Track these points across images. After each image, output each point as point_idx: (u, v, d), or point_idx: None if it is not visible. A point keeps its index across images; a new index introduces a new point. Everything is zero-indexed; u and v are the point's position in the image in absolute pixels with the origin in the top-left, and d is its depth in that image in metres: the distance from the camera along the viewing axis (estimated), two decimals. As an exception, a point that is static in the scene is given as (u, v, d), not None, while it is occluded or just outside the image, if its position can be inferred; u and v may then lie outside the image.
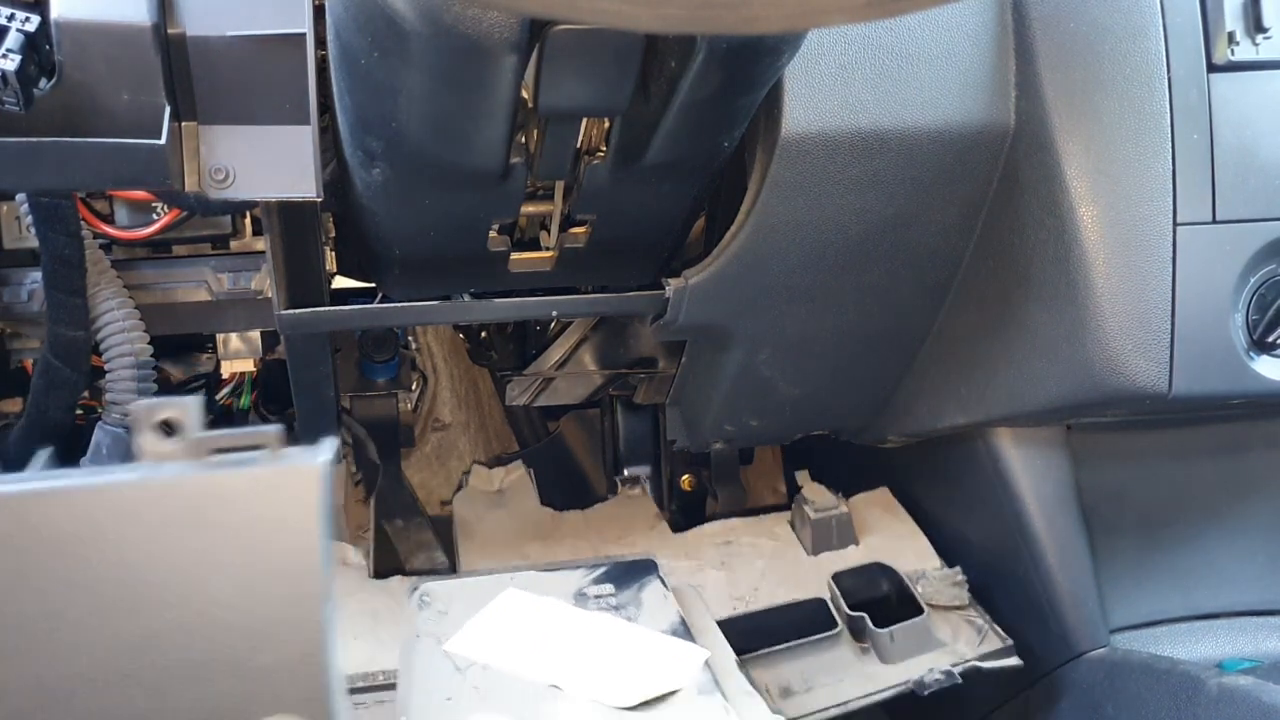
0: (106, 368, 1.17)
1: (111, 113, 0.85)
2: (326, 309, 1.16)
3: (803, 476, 1.58)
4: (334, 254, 1.21)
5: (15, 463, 1.29)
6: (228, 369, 1.39)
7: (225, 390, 1.52)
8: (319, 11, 0.89)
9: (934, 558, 1.40)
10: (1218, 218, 1.09)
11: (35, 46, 0.80)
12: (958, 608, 1.31)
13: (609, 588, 1.14)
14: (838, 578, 1.35)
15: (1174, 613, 1.32)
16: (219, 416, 1.58)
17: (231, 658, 0.57)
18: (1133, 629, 1.30)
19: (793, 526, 1.50)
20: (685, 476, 1.86)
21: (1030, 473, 1.28)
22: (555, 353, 1.49)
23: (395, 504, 1.73)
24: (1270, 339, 1.11)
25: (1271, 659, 1.27)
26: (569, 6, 0.46)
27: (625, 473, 1.77)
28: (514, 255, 1.11)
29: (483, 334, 1.68)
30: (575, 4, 0.45)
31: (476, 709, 0.97)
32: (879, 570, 1.36)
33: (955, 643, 1.29)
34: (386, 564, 1.57)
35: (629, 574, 1.16)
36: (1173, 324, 1.08)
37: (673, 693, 1.00)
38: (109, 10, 0.82)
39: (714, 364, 1.32)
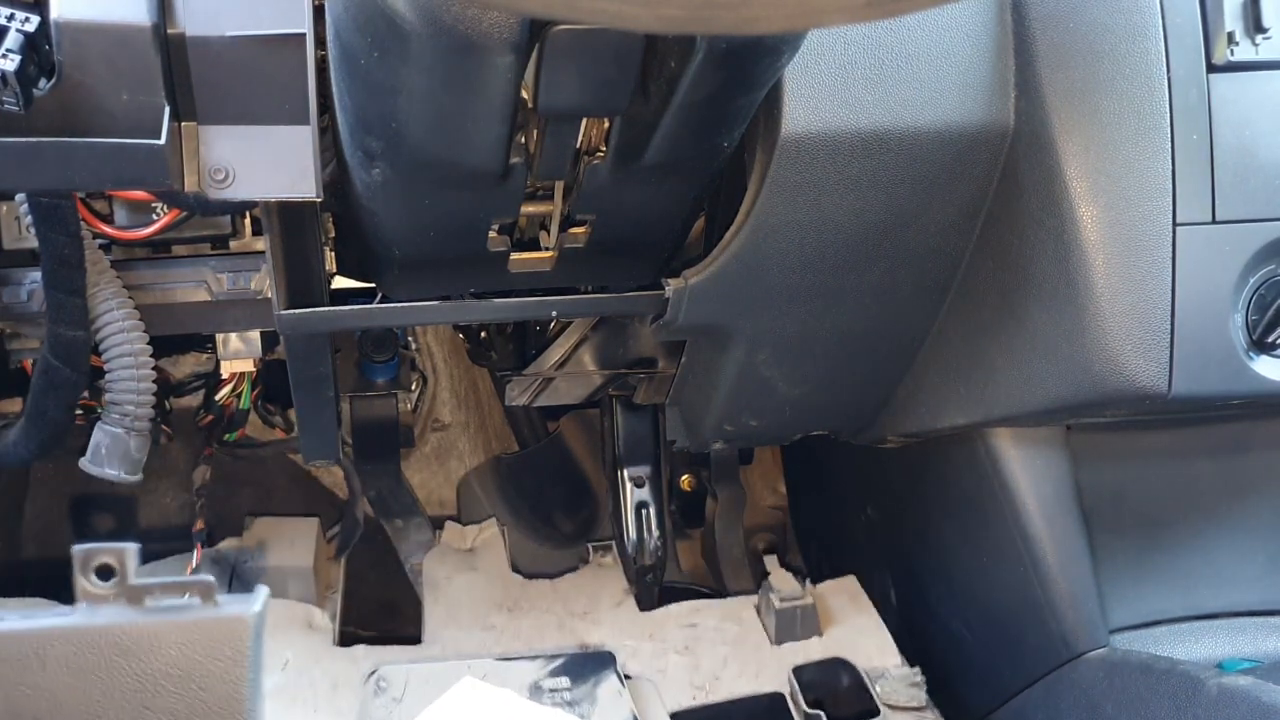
0: (106, 368, 1.17)
1: (111, 113, 0.85)
2: (326, 309, 1.16)
3: (770, 562, 1.58)
4: (334, 254, 1.21)
5: (14, 463, 1.30)
6: (227, 369, 1.39)
7: (225, 390, 1.52)
8: (319, 11, 0.89)
9: (895, 654, 1.41)
10: (1217, 218, 1.09)
11: (35, 46, 0.80)
12: (915, 708, 1.32)
13: (565, 680, 1.15)
14: (798, 671, 1.35)
15: (1174, 613, 1.32)
16: (219, 416, 1.58)
17: None
18: (1132, 629, 1.30)
19: (758, 612, 1.51)
20: (685, 476, 1.86)
21: (1030, 473, 1.28)
22: (555, 353, 1.49)
23: (395, 504, 1.73)
24: (1270, 339, 1.11)
25: (1271, 659, 1.27)
26: (569, 6, 0.46)
27: (591, 547, 1.76)
28: (514, 255, 1.11)
29: (482, 334, 1.68)
30: (575, 4, 0.45)
31: None
32: (840, 665, 1.36)
33: None
34: (352, 626, 1.55)
35: (586, 667, 1.16)
36: (1172, 324, 1.08)
37: None
38: (109, 10, 0.82)
39: (714, 364, 1.32)
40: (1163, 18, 1.08)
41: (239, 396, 1.54)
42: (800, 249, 1.12)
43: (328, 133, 1.00)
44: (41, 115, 0.83)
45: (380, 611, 1.64)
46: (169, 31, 0.85)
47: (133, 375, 1.15)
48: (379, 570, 1.68)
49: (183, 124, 0.89)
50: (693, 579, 2.03)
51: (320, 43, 0.91)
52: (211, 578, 0.59)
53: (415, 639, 1.47)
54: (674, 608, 1.54)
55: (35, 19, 0.80)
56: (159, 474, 1.66)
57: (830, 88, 1.02)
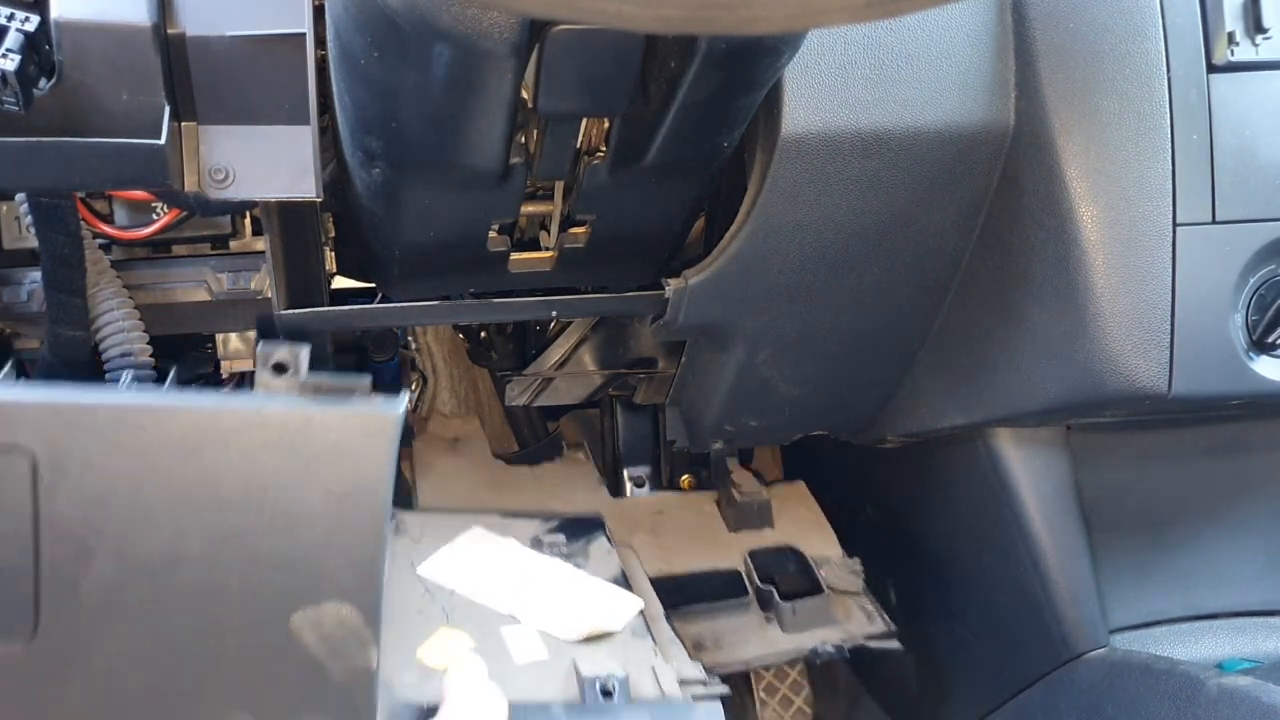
0: (106, 368, 1.17)
1: (111, 113, 0.85)
2: (326, 309, 1.16)
3: (732, 463, 1.67)
4: (334, 254, 1.21)
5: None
6: (227, 369, 1.39)
7: (225, 390, 1.52)
8: (319, 11, 0.89)
9: (837, 547, 1.55)
10: (1217, 218, 1.09)
11: (35, 46, 0.80)
12: (853, 593, 1.48)
13: (561, 538, 1.28)
14: (753, 554, 1.51)
15: (1174, 613, 1.32)
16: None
17: (304, 554, 0.71)
18: (1132, 629, 1.30)
19: (719, 505, 1.64)
20: (685, 476, 1.86)
21: (1030, 473, 1.28)
22: (555, 353, 1.49)
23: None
24: (1270, 339, 1.11)
25: (1271, 659, 1.27)
26: (569, 6, 0.46)
27: (564, 444, 1.81)
28: (514, 255, 1.11)
29: (482, 334, 1.68)
30: (575, 4, 0.45)
31: (443, 623, 1.11)
32: (789, 552, 1.52)
33: (847, 622, 1.45)
34: None
35: (579, 529, 1.31)
36: (1172, 324, 1.08)
37: (611, 633, 1.15)
38: (109, 10, 0.82)
39: (714, 364, 1.32)
40: (1163, 18, 1.08)
41: (239, 396, 1.54)
42: (800, 249, 1.12)
43: (328, 133, 1.00)
44: (41, 115, 0.83)
45: None
46: (169, 31, 0.85)
47: (132, 375, 1.15)
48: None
49: (183, 124, 0.89)
50: (693, 579, 2.03)
51: (320, 43, 0.91)
52: (368, 380, 0.71)
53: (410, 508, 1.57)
54: (642, 498, 1.68)
55: (35, 19, 0.80)
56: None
57: (830, 88, 1.02)
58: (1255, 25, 1.09)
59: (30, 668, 0.71)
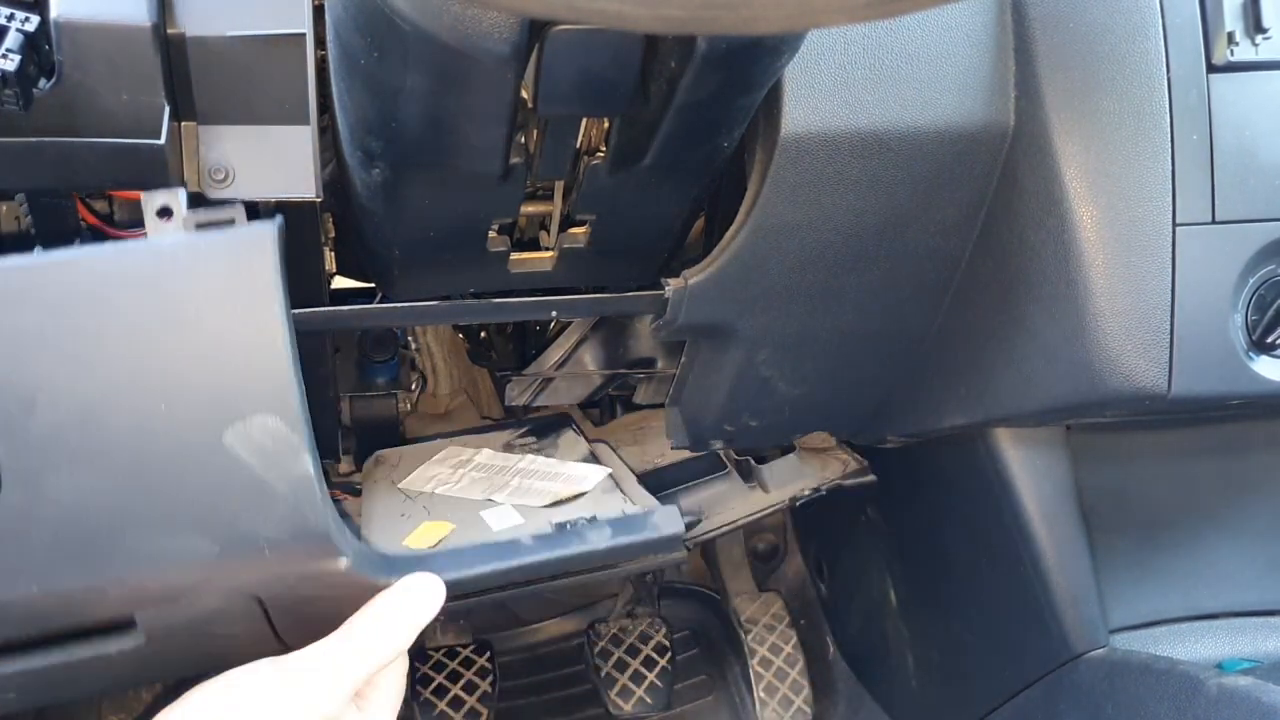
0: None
1: (111, 113, 0.85)
2: (326, 309, 1.16)
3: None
4: (334, 254, 1.21)
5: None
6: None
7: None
8: (319, 11, 0.89)
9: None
10: (1217, 218, 1.09)
11: (35, 46, 0.80)
12: (827, 448, 1.57)
13: (532, 439, 1.36)
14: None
15: (1174, 613, 1.32)
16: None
17: (220, 373, 0.78)
18: (1132, 629, 1.30)
19: None
20: (685, 477, 1.86)
21: (1030, 473, 1.28)
22: (555, 353, 1.49)
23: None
24: (1270, 339, 1.11)
25: (1271, 659, 1.27)
26: (569, 6, 0.46)
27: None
28: (514, 255, 1.11)
29: (482, 334, 1.68)
30: (575, 4, 0.45)
31: (425, 519, 1.18)
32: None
33: (824, 471, 1.54)
34: None
35: (550, 427, 1.39)
36: (1172, 324, 1.08)
37: (581, 493, 1.24)
38: (109, 10, 0.82)
39: (714, 364, 1.32)
40: (1162, 18, 1.08)
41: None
42: (800, 249, 1.12)
43: (328, 133, 1.00)
44: (41, 115, 0.83)
45: None
46: (169, 31, 0.85)
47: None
48: None
49: (183, 124, 0.89)
50: (693, 579, 2.03)
51: (320, 43, 0.91)
52: (242, 206, 0.82)
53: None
54: (624, 417, 1.70)
55: (35, 19, 0.80)
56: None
57: (830, 88, 1.02)
58: (1255, 25, 1.09)
59: None
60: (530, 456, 1.31)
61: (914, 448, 1.48)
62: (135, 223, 1.16)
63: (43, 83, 0.82)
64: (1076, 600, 1.28)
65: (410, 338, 1.72)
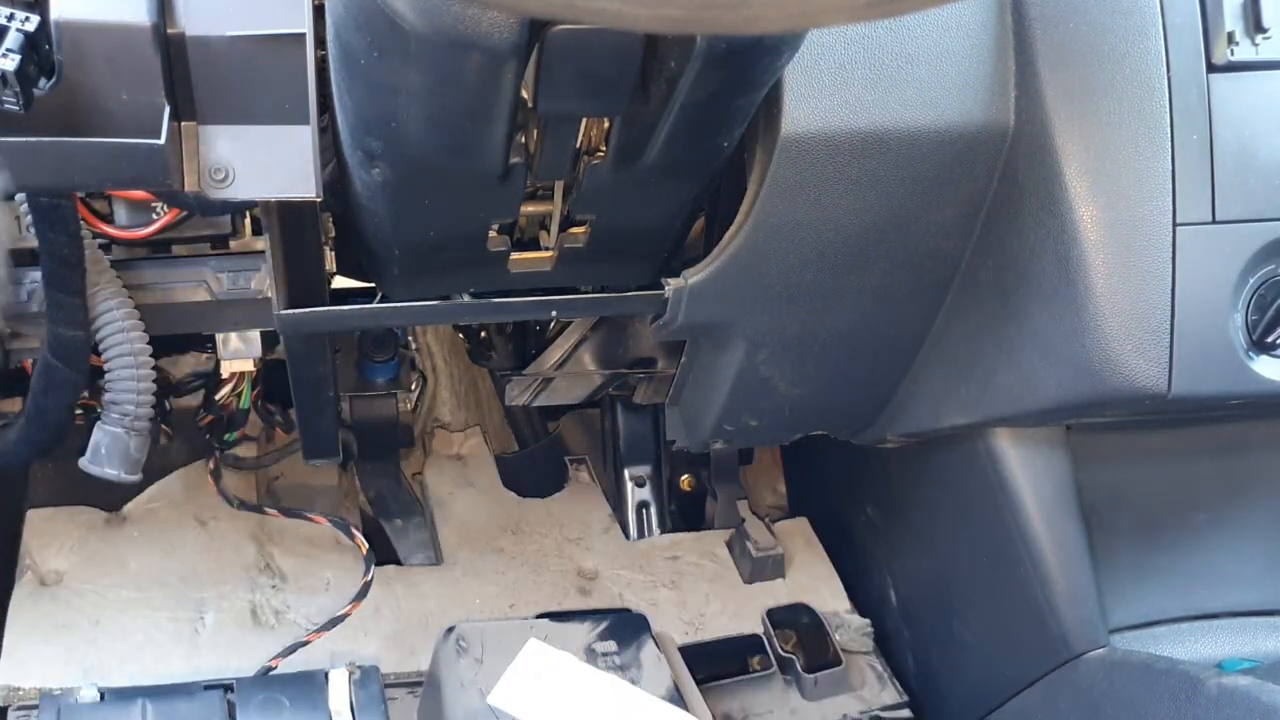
0: (106, 368, 1.17)
1: (111, 112, 0.85)
2: (326, 309, 1.16)
3: (743, 508, 1.73)
4: (334, 254, 1.21)
5: (14, 463, 1.29)
6: (227, 369, 1.38)
7: (225, 390, 1.52)
8: (319, 11, 0.89)
9: (845, 598, 1.66)
10: (1217, 218, 1.09)
11: (35, 46, 0.80)
12: (864, 653, 1.59)
13: (612, 645, 1.33)
14: (770, 614, 1.58)
15: (1173, 613, 1.32)
16: (219, 416, 1.58)
17: None
18: (1132, 629, 1.30)
19: (730, 548, 1.71)
20: (685, 477, 1.86)
21: (1030, 473, 1.28)
22: (555, 353, 1.49)
23: (395, 504, 1.73)
24: (1270, 339, 1.11)
25: (1271, 659, 1.27)
26: (569, 6, 0.46)
27: (567, 461, 1.85)
28: (514, 255, 1.11)
29: (482, 334, 1.68)
30: (575, 4, 0.45)
31: None
32: (803, 609, 1.60)
33: (863, 689, 1.54)
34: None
35: (626, 632, 1.36)
36: (1172, 324, 1.08)
37: None
38: (109, 10, 0.82)
39: (714, 364, 1.32)
40: (1163, 18, 1.07)
41: (239, 396, 1.54)
42: (800, 249, 1.12)
43: (328, 133, 1.00)
44: (41, 115, 0.83)
45: (412, 550, 1.72)
46: (169, 31, 0.85)
47: (133, 375, 1.15)
48: (407, 513, 1.76)
49: (183, 124, 0.89)
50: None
51: (320, 43, 0.91)
52: None
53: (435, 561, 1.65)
54: (656, 540, 1.74)
55: (35, 19, 0.80)
56: (159, 474, 1.66)
57: (830, 88, 1.02)
58: (1255, 25, 1.09)
59: None
60: (615, 680, 1.28)
61: (914, 448, 1.48)
62: (135, 223, 1.16)
63: (43, 83, 0.82)
64: (1076, 600, 1.28)
65: (410, 338, 1.72)
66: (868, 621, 1.61)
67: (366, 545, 1.50)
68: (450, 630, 1.30)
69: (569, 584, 1.62)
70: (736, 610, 1.61)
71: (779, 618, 1.58)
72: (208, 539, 1.55)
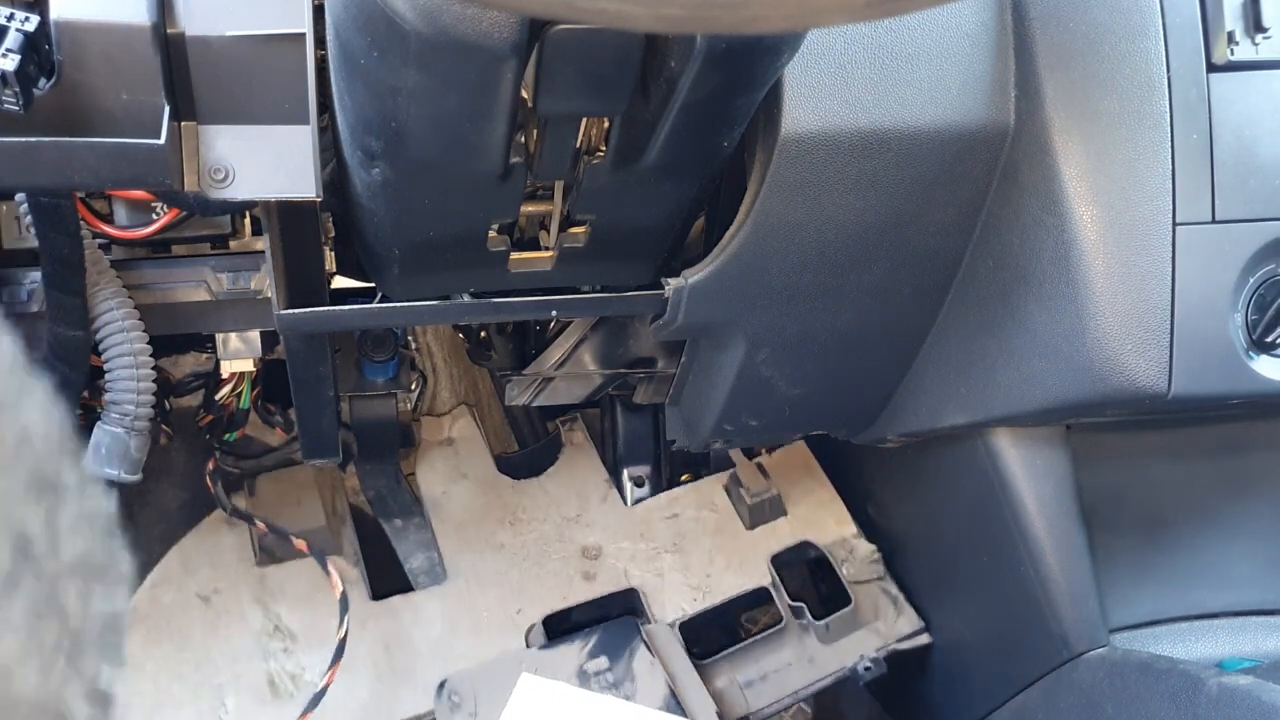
0: (106, 368, 1.17)
1: (111, 112, 0.85)
2: (326, 309, 1.16)
3: (737, 455, 1.72)
4: (334, 254, 1.21)
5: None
6: (227, 369, 1.38)
7: (225, 390, 1.52)
8: (319, 11, 0.89)
9: (850, 523, 1.65)
10: (1217, 217, 1.09)
11: (35, 46, 0.80)
12: (876, 579, 1.59)
13: (603, 661, 1.34)
14: (775, 560, 1.59)
15: (1174, 613, 1.32)
16: (219, 416, 1.58)
17: None
18: (1132, 629, 1.30)
19: (728, 495, 1.70)
20: (685, 476, 1.86)
21: (1030, 473, 1.28)
22: (555, 353, 1.49)
23: (395, 504, 1.73)
24: (1270, 339, 1.11)
25: (1271, 659, 1.27)
26: (569, 6, 0.46)
27: (559, 424, 1.84)
28: (514, 255, 1.11)
29: (482, 334, 1.68)
30: (575, 4, 0.45)
31: None
32: (808, 547, 1.62)
33: (877, 622, 1.55)
34: (379, 578, 1.64)
35: (616, 643, 1.36)
36: (1172, 324, 1.08)
37: None
38: (108, 10, 0.82)
39: (714, 364, 1.32)
40: (1163, 17, 1.07)
41: (239, 396, 1.54)
42: (800, 249, 1.12)
43: (328, 133, 1.00)
44: (41, 115, 0.83)
45: (412, 550, 1.71)
46: (169, 31, 0.85)
47: (133, 375, 1.15)
48: (407, 514, 1.75)
49: (182, 124, 0.89)
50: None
51: (320, 43, 0.91)
52: None
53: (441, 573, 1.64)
54: (653, 501, 1.71)
55: (35, 19, 0.80)
56: (159, 474, 1.66)
57: (830, 88, 1.02)
58: (1255, 25, 1.09)
59: None
60: (612, 702, 1.29)
61: (914, 447, 1.48)
62: (135, 223, 1.16)
63: (43, 83, 0.82)
64: (1076, 600, 1.28)
65: (410, 338, 1.72)
66: (874, 548, 1.60)
67: (340, 587, 1.47)
68: (442, 686, 1.31)
69: (573, 570, 1.61)
70: (741, 562, 1.61)
71: (784, 561, 1.57)
72: (213, 616, 1.54)
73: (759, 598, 1.55)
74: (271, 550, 1.60)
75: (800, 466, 1.73)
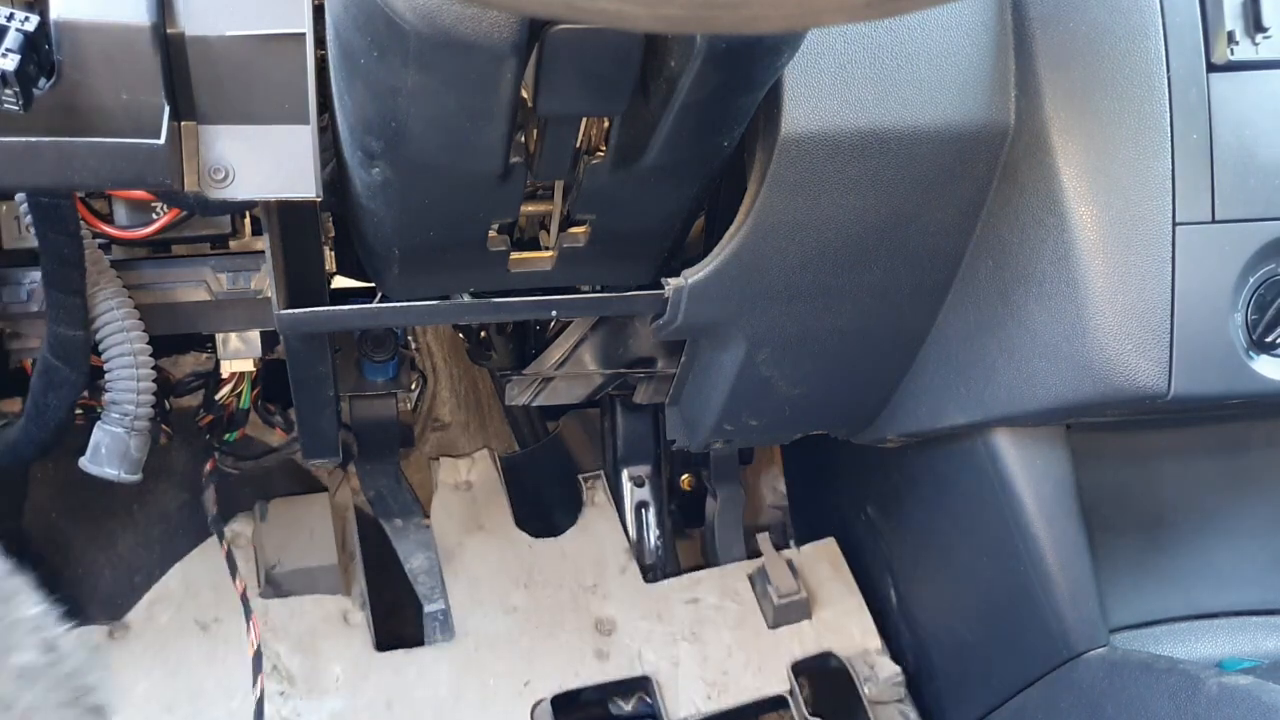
0: (106, 367, 1.17)
1: (110, 112, 0.85)
2: (326, 309, 1.16)
3: (764, 542, 1.65)
4: (334, 254, 1.21)
5: (14, 463, 1.29)
6: (227, 369, 1.38)
7: (225, 390, 1.52)
8: (319, 11, 0.89)
9: (875, 635, 1.61)
10: (1217, 217, 1.09)
11: (35, 46, 0.80)
12: (896, 701, 1.56)
13: None
14: (796, 669, 1.55)
15: (1174, 612, 1.32)
16: (219, 416, 1.58)
17: None
18: (1132, 629, 1.30)
19: (752, 584, 1.66)
20: (685, 476, 1.86)
21: (1030, 473, 1.28)
22: (555, 352, 1.49)
23: (395, 504, 1.73)
24: (1270, 339, 1.11)
25: (1271, 659, 1.27)
26: (568, 6, 0.46)
27: (581, 479, 1.80)
28: (514, 255, 1.11)
29: (482, 334, 1.68)
30: (575, 4, 0.45)
31: None
32: (830, 657, 1.58)
33: None
34: (383, 625, 1.61)
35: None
36: (1172, 324, 1.08)
37: None
38: (108, 10, 0.82)
39: (714, 364, 1.32)
40: (1163, 17, 1.07)
41: (239, 396, 1.53)
42: (800, 248, 1.12)
43: (328, 132, 1.00)
44: (41, 115, 0.83)
45: (412, 550, 1.68)
46: (169, 31, 0.85)
47: (133, 375, 1.15)
48: (408, 514, 1.72)
49: (182, 123, 0.89)
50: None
51: (320, 43, 0.91)
52: None
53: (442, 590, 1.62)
54: (674, 581, 1.66)
55: (35, 19, 0.80)
56: (159, 474, 1.66)
57: (830, 87, 1.02)
58: (1255, 25, 1.09)
59: None
60: None
61: (914, 447, 1.48)
62: (135, 223, 1.16)
63: (43, 82, 0.82)
64: (1077, 599, 1.28)
65: (410, 338, 1.72)
66: (898, 670, 1.57)
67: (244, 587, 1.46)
68: None
69: (586, 646, 1.56)
70: (761, 662, 1.56)
71: (805, 670, 1.53)
72: (210, 646, 1.49)
73: (776, 707, 1.51)
74: (279, 583, 1.55)
75: (829, 565, 1.68)
